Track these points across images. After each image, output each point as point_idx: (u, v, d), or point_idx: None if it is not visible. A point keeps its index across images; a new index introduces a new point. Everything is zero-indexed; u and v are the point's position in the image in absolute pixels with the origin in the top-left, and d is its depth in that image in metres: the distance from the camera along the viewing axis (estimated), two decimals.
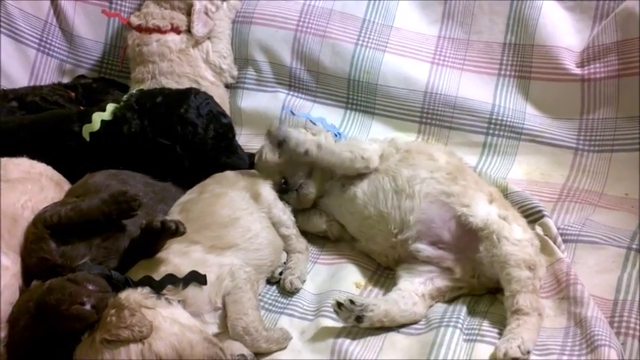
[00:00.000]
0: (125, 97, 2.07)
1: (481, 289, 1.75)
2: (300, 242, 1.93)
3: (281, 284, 1.84)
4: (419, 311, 1.67)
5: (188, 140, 1.96)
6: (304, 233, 1.99)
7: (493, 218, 1.72)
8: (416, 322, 1.66)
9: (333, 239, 2.00)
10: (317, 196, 1.98)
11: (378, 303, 1.64)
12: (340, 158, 1.88)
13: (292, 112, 2.25)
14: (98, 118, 2.01)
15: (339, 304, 1.60)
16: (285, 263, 1.89)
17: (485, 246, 1.68)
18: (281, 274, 1.87)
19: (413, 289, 1.70)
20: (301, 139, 1.91)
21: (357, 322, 1.61)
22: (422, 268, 1.76)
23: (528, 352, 1.47)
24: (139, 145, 1.96)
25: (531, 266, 1.64)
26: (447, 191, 1.78)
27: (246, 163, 2.08)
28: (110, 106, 2.04)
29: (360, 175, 1.90)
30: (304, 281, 1.85)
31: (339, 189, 1.93)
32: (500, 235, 1.67)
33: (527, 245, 1.68)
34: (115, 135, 1.98)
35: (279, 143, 1.90)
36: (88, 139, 1.99)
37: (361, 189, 1.88)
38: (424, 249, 1.76)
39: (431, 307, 1.72)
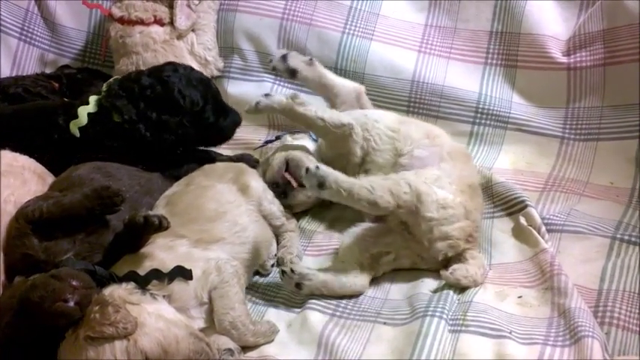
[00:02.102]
0: (104, 87, 2.03)
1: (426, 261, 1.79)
2: (290, 223, 1.95)
3: (280, 263, 1.87)
4: (360, 283, 1.75)
5: (193, 112, 1.98)
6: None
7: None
8: (359, 295, 1.74)
9: None
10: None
11: (317, 274, 1.73)
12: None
13: (277, 137, 2.24)
14: (84, 111, 1.99)
15: (282, 272, 1.72)
16: (278, 244, 1.91)
17: None
18: (273, 265, 1.88)
19: (354, 260, 1.77)
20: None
21: (297, 289, 1.72)
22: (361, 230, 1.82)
23: None
24: (136, 130, 1.94)
25: (420, 196, 1.71)
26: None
27: (239, 115, 2.11)
28: (92, 99, 2.01)
29: None
30: (301, 258, 1.89)
31: None
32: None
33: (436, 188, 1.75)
34: (105, 125, 1.97)
35: (292, 72, 2.16)
36: (78, 135, 1.97)
37: None
38: None
39: (375, 277, 1.78)
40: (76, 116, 1.98)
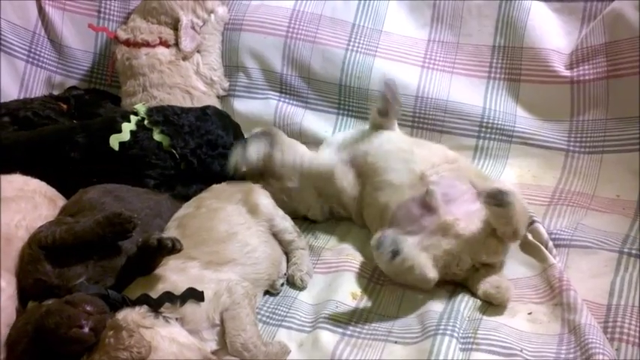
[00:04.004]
0: (142, 109, 2.10)
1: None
2: (301, 240, 1.97)
3: (290, 281, 1.89)
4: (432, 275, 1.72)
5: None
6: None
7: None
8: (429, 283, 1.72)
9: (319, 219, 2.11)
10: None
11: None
12: None
13: None
14: (127, 128, 2.04)
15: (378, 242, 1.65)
16: (288, 261, 1.92)
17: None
18: (283, 285, 1.89)
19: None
20: None
21: (392, 259, 1.64)
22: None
23: None
24: (182, 156, 2.04)
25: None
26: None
27: None
28: (133, 118, 2.07)
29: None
30: (312, 276, 1.90)
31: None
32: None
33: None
34: (145, 143, 2.04)
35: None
36: (117, 148, 2.02)
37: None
38: (436, 191, 1.81)
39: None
40: (119, 131, 2.03)
